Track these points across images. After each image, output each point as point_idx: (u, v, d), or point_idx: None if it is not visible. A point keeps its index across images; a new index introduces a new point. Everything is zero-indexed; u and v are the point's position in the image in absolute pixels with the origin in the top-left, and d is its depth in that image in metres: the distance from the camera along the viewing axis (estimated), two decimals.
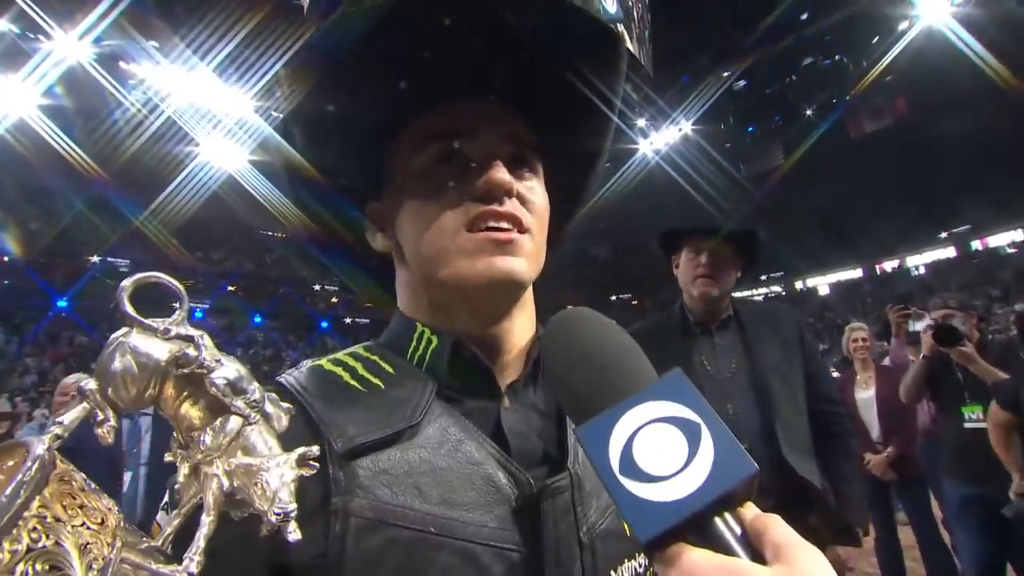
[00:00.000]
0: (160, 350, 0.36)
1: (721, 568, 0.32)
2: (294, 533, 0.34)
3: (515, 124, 0.60)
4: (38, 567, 0.25)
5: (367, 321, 29.09)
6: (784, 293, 36.77)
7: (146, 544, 0.34)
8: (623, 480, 0.35)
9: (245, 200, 22.35)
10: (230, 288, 30.13)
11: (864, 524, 1.76)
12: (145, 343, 0.36)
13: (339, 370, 0.56)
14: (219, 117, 20.44)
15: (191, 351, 0.36)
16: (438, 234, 0.55)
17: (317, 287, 30.61)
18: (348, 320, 29.61)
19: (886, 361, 4.14)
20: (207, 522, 0.34)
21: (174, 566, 0.33)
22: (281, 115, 0.59)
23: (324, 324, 30.71)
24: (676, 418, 0.37)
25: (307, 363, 0.59)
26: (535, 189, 0.60)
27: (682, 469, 0.35)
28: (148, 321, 0.36)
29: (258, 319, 29.74)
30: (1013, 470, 2.42)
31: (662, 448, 0.36)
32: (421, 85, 0.58)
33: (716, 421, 0.37)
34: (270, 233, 29.54)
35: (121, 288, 0.36)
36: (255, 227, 28.92)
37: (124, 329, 0.36)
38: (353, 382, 0.55)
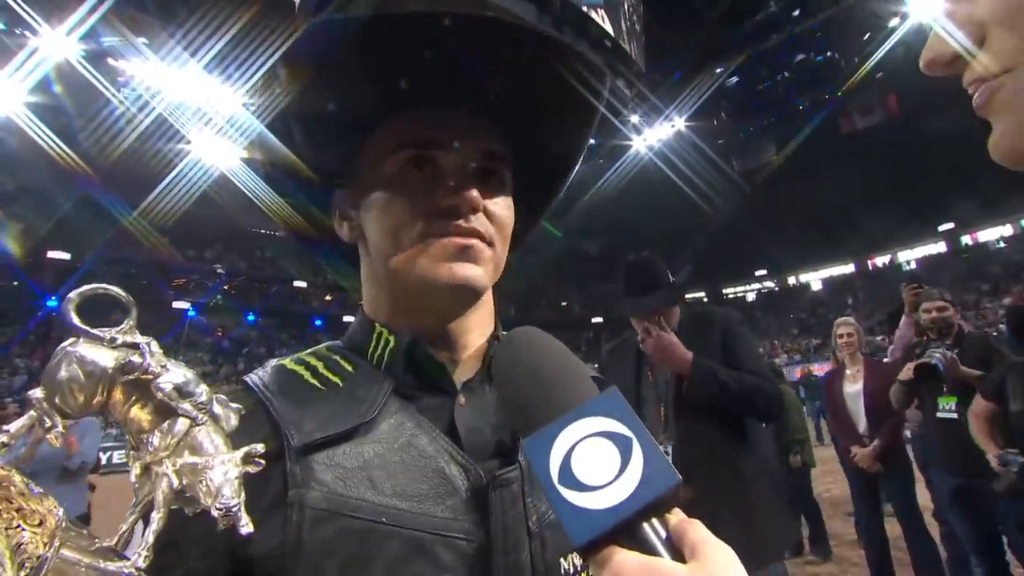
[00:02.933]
0: (106, 358, 0.37)
1: (645, 568, 0.36)
2: (247, 527, 0.36)
3: (488, 136, 0.61)
4: None
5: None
6: (776, 289, 36.99)
7: (98, 545, 0.35)
8: (561, 489, 0.39)
9: (237, 198, 22.20)
10: (223, 287, 29.97)
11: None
12: (91, 352, 0.37)
13: (300, 369, 0.58)
14: (210, 115, 20.28)
15: (136, 358, 0.38)
16: (403, 235, 0.57)
17: (307, 284, 30.47)
18: (341, 317, 29.49)
19: (890, 350, 4.17)
20: (156, 519, 0.36)
21: (122, 563, 0.34)
22: (259, 105, 0.59)
23: (317, 322, 30.61)
24: (611, 432, 0.40)
25: (272, 362, 0.61)
26: (500, 203, 0.61)
27: (614, 479, 0.38)
28: (95, 331, 0.38)
29: (251, 318, 29.61)
30: (991, 447, 2.48)
31: (597, 460, 0.39)
32: (398, 88, 0.58)
33: (646, 435, 0.40)
34: (263, 231, 29.38)
35: (67, 300, 0.37)
36: (247, 225, 28.75)
37: (71, 339, 0.37)
38: (313, 380, 0.57)
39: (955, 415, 2.77)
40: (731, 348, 2.00)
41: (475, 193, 0.57)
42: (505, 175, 0.62)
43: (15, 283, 22.47)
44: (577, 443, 0.40)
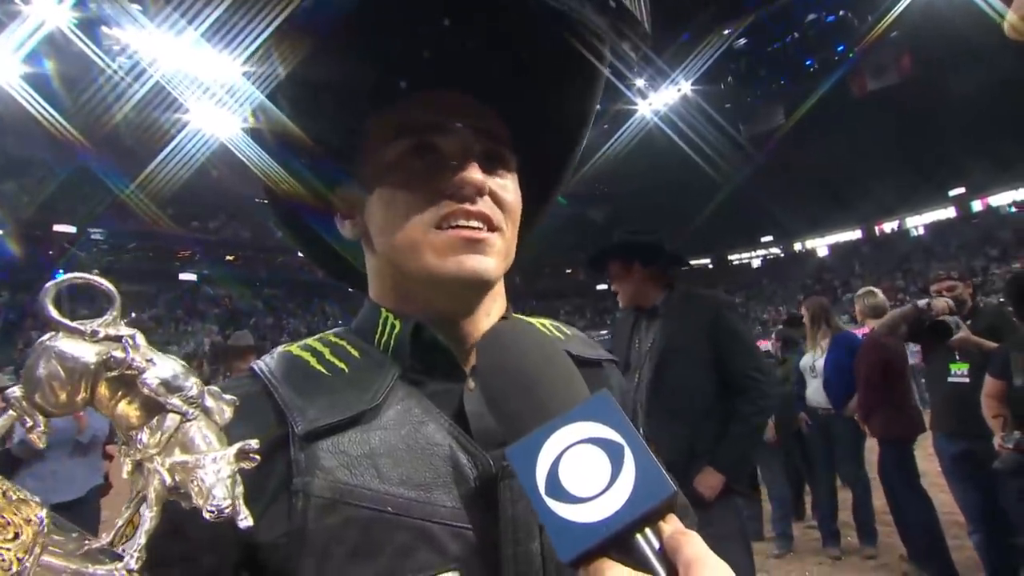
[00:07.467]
0: (88, 353, 0.35)
1: None
2: (245, 520, 0.35)
3: (490, 119, 0.60)
4: None
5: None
6: (782, 255, 36.77)
7: (88, 547, 0.34)
8: (549, 501, 0.36)
9: (240, 168, 22.04)
10: (228, 257, 30.07)
11: (739, 485, 2.17)
12: (72, 346, 0.34)
13: (307, 355, 0.58)
14: (208, 83, 19.94)
15: (118, 353, 0.35)
16: (408, 228, 0.56)
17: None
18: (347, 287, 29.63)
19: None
20: (149, 517, 0.34)
21: (112, 565, 0.33)
22: (258, 74, 0.57)
23: (324, 291, 30.79)
24: (601, 439, 0.37)
25: (279, 349, 0.60)
26: (507, 186, 0.60)
27: (605, 490, 0.36)
28: (76, 324, 0.35)
29: (258, 287, 29.80)
30: (997, 430, 2.52)
31: (586, 469, 0.37)
32: (395, 72, 0.56)
33: (639, 442, 0.37)
34: (267, 201, 29.23)
35: (44, 290, 0.34)
36: (252, 195, 28.61)
37: (50, 333, 0.35)
38: (319, 367, 0.56)
39: (966, 379, 2.80)
40: (722, 343, 2.16)
41: (479, 175, 0.55)
42: (509, 157, 0.61)
43: (23, 255, 22.59)
44: (565, 450, 0.37)
